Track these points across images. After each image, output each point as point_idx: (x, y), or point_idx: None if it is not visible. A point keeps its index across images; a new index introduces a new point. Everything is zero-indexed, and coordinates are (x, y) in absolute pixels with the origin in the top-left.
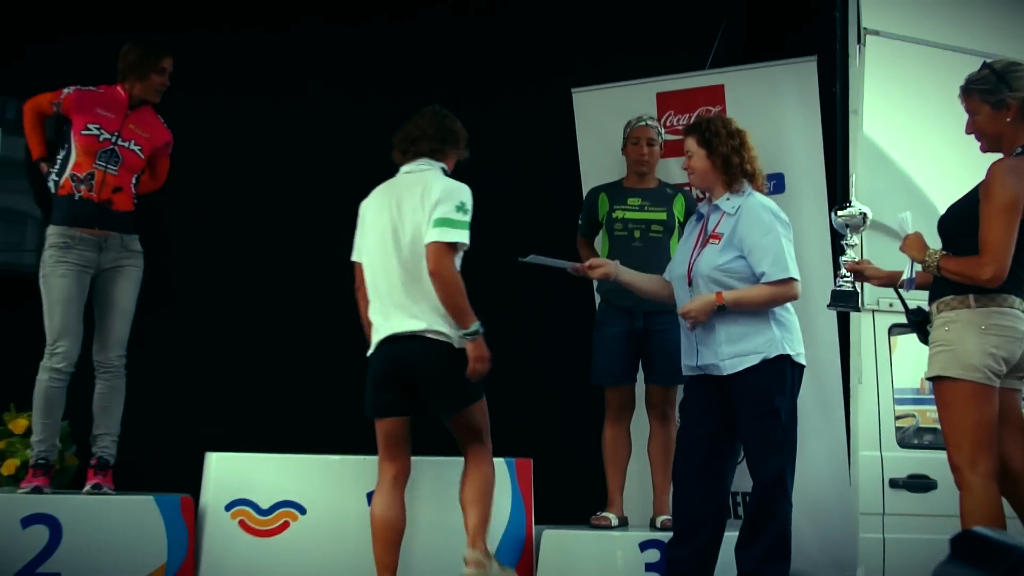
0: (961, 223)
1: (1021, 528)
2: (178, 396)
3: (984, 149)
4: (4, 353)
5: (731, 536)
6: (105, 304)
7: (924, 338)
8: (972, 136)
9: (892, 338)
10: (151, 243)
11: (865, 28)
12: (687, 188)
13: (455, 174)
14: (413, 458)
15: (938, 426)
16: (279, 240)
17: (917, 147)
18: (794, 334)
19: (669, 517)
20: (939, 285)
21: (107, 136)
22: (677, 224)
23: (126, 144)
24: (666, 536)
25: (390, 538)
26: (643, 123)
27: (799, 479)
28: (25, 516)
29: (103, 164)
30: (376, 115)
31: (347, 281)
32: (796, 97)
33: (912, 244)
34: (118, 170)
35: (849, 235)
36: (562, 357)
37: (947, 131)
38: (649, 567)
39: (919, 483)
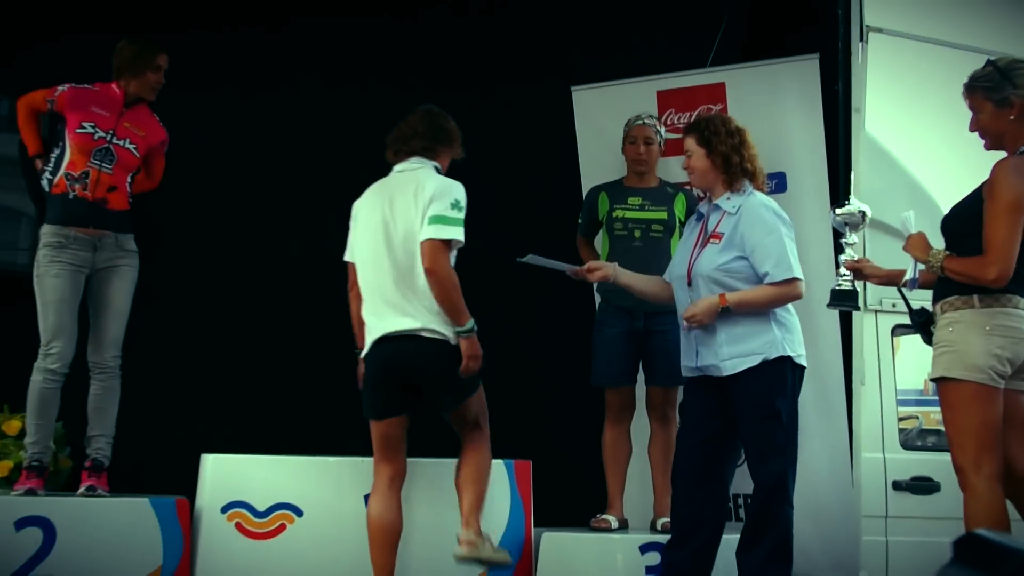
0: (965, 223)
1: None
2: (173, 397)
3: (988, 147)
4: None
5: (731, 539)
6: (100, 304)
7: (928, 339)
8: (976, 134)
9: (895, 339)
10: (146, 242)
11: (868, 25)
12: (688, 187)
13: (453, 173)
14: (409, 460)
15: (941, 428)
16: (275, 240)
17: (920, 146)
18: (795, 335)
19: (669, 519)
20: (943, 285)
21: (102, 134)
22: (678, 223)
23: (121, 142)
24: (667, 539)
25: (387, 540)
26: (641, 122)
27: (801, 481)
28: (18, 518)
29: (98, 163)
30: (374, 114)
31: (343, 281)
32: (798, 95)
33: (915, 244)
34: (113, 169)
35: (848, 233)
36: (562, 358)
37: (950, 130)
38: (650, 570)
39: (922, 485)
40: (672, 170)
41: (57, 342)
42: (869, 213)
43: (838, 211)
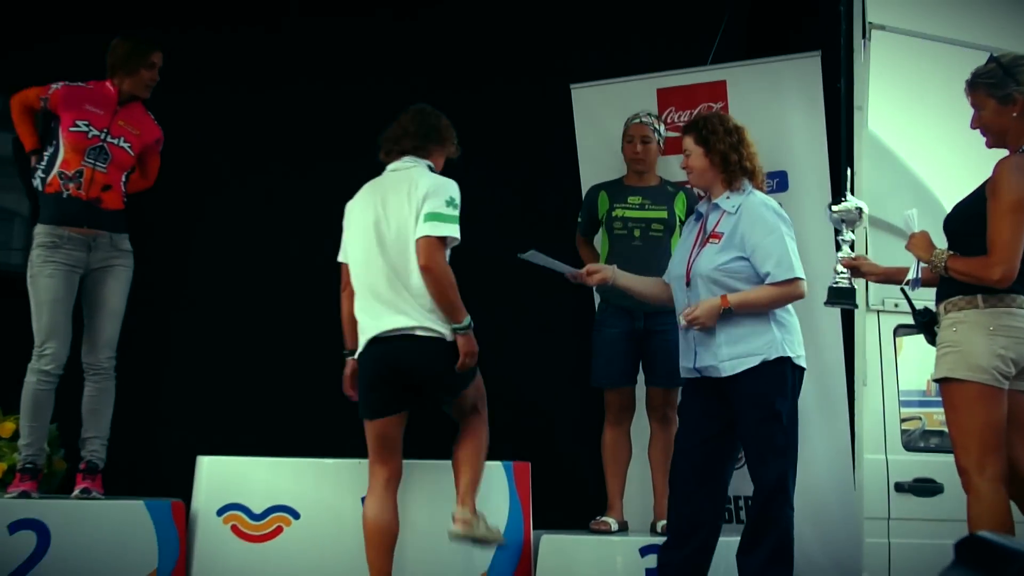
0: (967, 222)
1: None
2: (169, 398)
3: (990, 145)
4: None
5: (732, 541)
6: (94, 305)
7: (931, 339)
8: (978, 132)
9: (897, 339)
10: (141, 242)
11: (870, 23)
12: (689, 186)
13: (452, 172)
14: (405, 461)
15: (944, 429)
16: (271, 240)
17: (923, 144)
18: (794, 336)
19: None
20: (946, 285)
21: (96, 133)
22: (678, 223)
23: (115, 141)
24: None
25: (383, 542)
26: (638, 120)
27: (802, 483)
28: (12, 521)
29: (92, 161)
30: (373, 113)
31: (339, 282)
32: (799, 93)
33: (918, 243)
34: (107, 167)
35: (845, 230)
36: (561, 358)
37: (954, 128)
38: (650, 572)
39: (925, 487)
40: (672, 169)
41: (51, 343)
42: (866, 210)
43: (834, 208)
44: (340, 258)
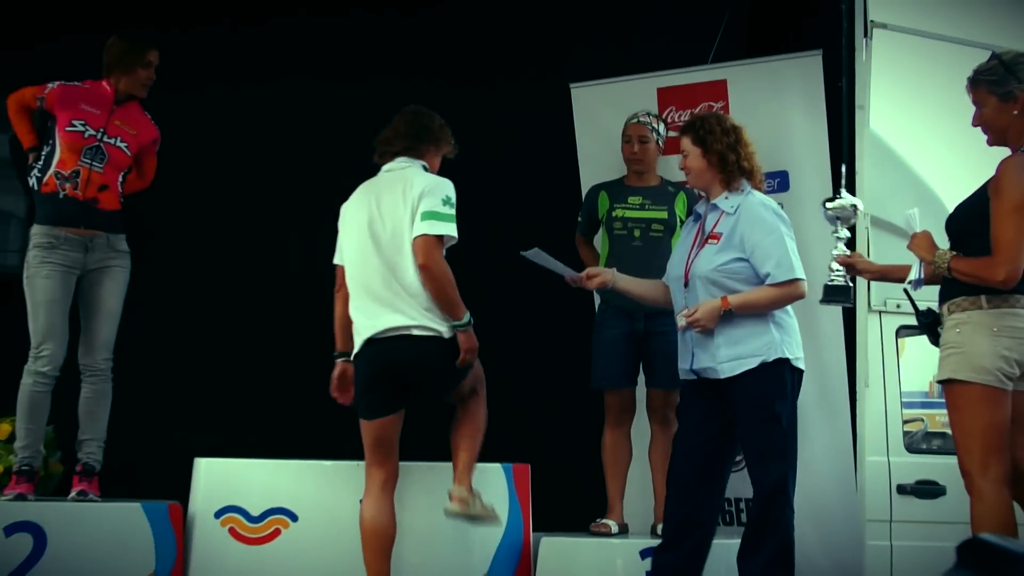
0: (970, 222)
1: None
2: (166, 400)
3: (990, 142)
4: None
5: (732, 544)
6: (91, 306)
7: (935, 340)
8: (980, 131)
9: (899, 340)
10: (138, 243)
11: (872, 21)
12: (690, 186)
13: (452, 171)
14: (401, 463)
15: (947, 430)
16: (269, 241)
17: (925, 143)
18: (793, 337)
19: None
20: (950, 286)
21: (92, 132)
22: (678, 223)
23: (112, 141)
24: None
25: (381, 544)
26: (636, 120)
27: (804, 485)
28: (8, 524)
29: (88, 161)
30: (371, 112)
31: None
32: (801, 92)
33: (920, 243)
34: (104, 167)
35: (840, 227)
36: (561, 359)
37: (956, 127)
38: (650, 575)
39: (927, 489)
40: (673, 168)
41: (48, 344)
42: (861, 207)
43: (829, 205)
44: (336, 260)
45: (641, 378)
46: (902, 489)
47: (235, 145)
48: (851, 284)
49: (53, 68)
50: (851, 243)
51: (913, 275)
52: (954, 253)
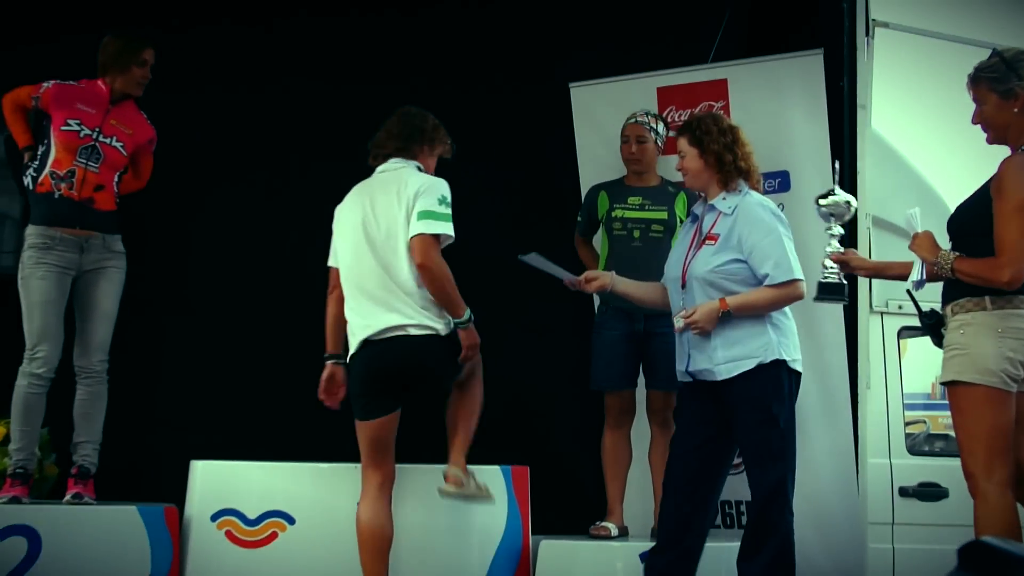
0: (972, 222)
1: None
2: (162, 402)
3: (990, 140)
4: None
5: (732, 547)
6: (86, 307)
7: (938, 341)
8: (980, 129)
9: (901, 341)
10: (134, 243)
11: (874, 20)
12: None
13: (451, 171)
14: (398, 466)
15: (949, 432)
16: (266, 241)
17: (927, 143)
18: (790, 339)
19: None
20: (953, 287)
21: (88, 132)
22: (679, 223)
23: (108, 140)
24: None
25: (378, 547)
26: (634, 120)
27: (805, 487)
28: (2, 527)
29: (84, 161)
30: (370, 112)
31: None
32: (802, 92)
33: (923, 244)
34: (99, 167)
35: (833, 224)
36: (560, 361)
37: (958, 127)
38: None
39: (930, 491)
40: (673, 169)
41: (43, 346)
42: (855, 203)
43: (822, 201)
44: (329, 262)
45: (641, 379)
46: (904, 491)
47: (234, 145)
48: (844, 281)
49: (53, 68)
50: (845, 240)
51: (915, 276)
52: (957, 254)
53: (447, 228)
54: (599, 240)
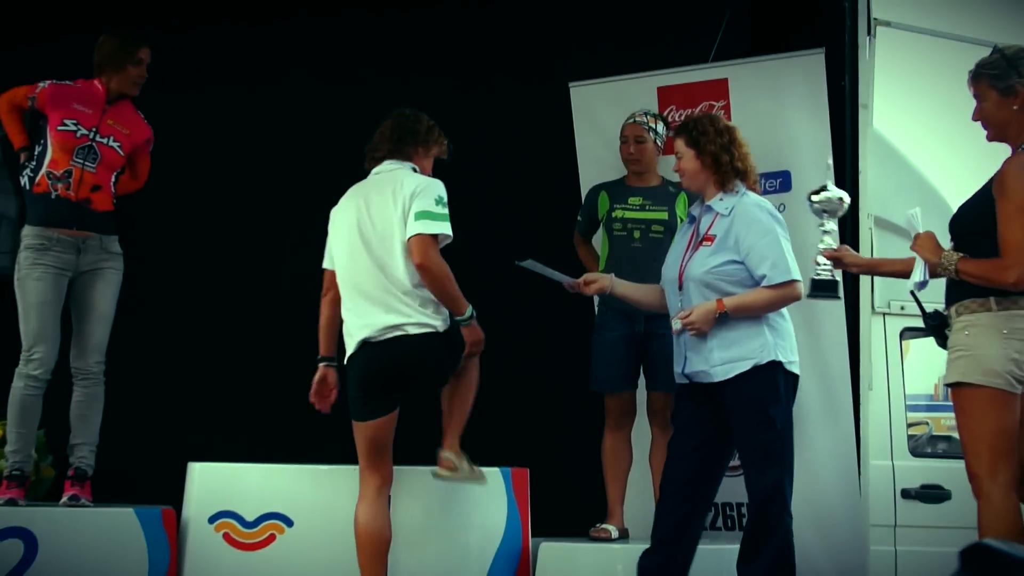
0: (974, 222)
1: None
2: (159, 404)
3: (990, 138)
4: None
5: (732, 549)
6: (83, 308)
7: (942, 342)
8: (980, 126)
9: (903, 342)
10: (132, 244)
11: (875, 19)
12: None
13: (450, 171)
14: (396, 468)
15: (952, 434)
16: (264, 242)
17: (929, 143)
18: (787, 341)
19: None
20: (957, 288)
21: (84, 132)
22: (679, 224)
23: (104, 140)
24: None
25: (376, 549)
26: (633, 120)
27: (807, 488)
28: None
29: (80, 161)
30: (369, 112)
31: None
32: (803, 91)
33: (925, 244)
34: (96, 167)
35: (826, 220)
36: (560, 362)
37: (960, 126)
38: None
39: (932, 493)
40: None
41: (39, 347)
42: (847, 199)
43: (815, 198)
44: (324, 264)
45: (641, 381)
46: (906, 493)
47: (232, 145)
48: (837, 278)
49: (52, 68)
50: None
51: (918, 276)
52: (961, 255)
53: (445, 228)
54: (599, 240)
